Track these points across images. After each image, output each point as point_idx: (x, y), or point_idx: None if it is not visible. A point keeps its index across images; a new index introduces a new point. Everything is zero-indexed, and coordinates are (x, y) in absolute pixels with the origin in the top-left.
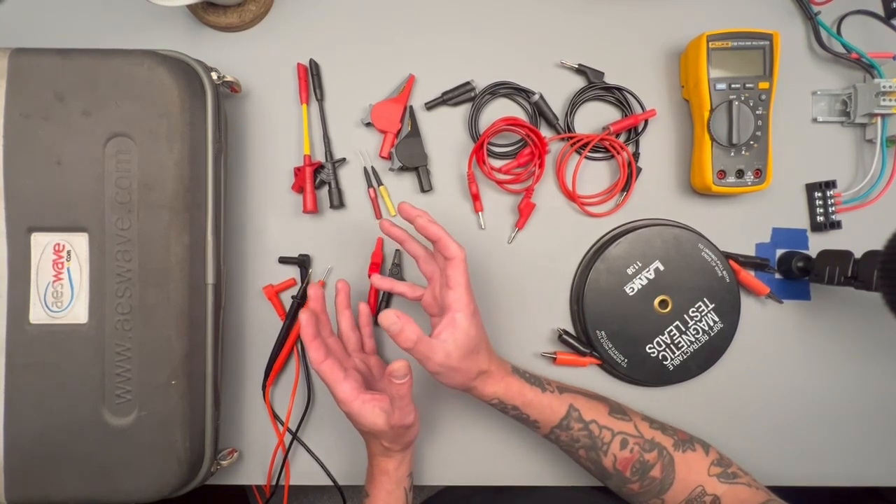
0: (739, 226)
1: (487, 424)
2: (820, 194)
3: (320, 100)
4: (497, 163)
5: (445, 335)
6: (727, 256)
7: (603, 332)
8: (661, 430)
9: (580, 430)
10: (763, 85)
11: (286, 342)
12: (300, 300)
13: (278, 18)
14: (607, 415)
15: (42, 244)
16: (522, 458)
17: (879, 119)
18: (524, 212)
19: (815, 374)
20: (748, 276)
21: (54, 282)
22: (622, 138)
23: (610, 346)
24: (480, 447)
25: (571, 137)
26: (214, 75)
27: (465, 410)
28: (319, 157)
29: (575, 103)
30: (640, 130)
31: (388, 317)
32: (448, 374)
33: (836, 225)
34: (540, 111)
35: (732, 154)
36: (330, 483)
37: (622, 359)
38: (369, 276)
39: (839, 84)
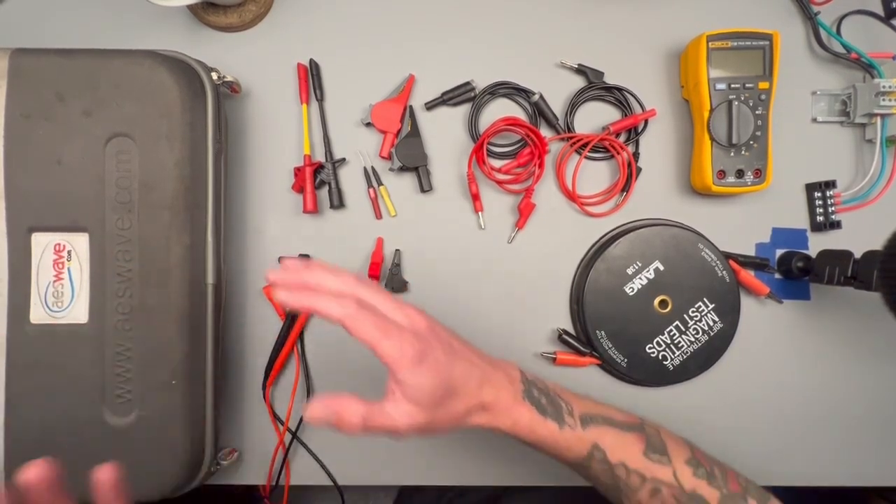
0: (739, 226)
1: None
2: (820, 194)
3: (320, 100)
4: (497, 163)
5: (399, 394)
6: (727, 256)
7: (603, 332)
8: (706, 480)
9: (603, 471)
10: (763, 85)
11: (286, 342)
12: None
13: (278, 18)
14: (641, 455)
15: (42, 244)
16: (517, 458)
17: (879, 119)
18: (524, 212)
19: (815, 374)
20: (748, 276)
21: (55, 282)
22: (622, 138)
23: (610, 345)
24: (476, 446)
25: (571, 137)
26: (215, 75)
27: None
28: (319, 157)
29: (575, 103)
30: (639, 130)
31: (314, 410)
32: (428, 430)
33: (835, 225)
34: (540, 111)
35: (732, 154)
36: (331, 483)
37: (622, 359)
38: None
39: (839, 84)
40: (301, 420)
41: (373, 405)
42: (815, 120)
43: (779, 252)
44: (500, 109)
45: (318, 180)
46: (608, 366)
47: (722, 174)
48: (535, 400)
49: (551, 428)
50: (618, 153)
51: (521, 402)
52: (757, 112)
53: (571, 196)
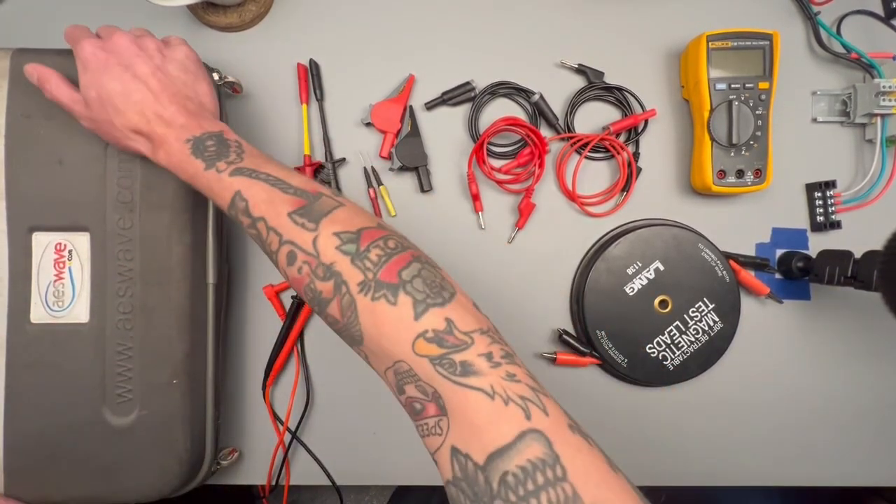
0: (739, 226)
1: None
2: (820, 194)
3: (320, 100)
4: (497, 163)
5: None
6: (727, 256)
7: (603, 332)
8: (352, 259)
9: (248, 224)
10: (763, 85)
11: (286, 342)
12: (300, 300)
13: (278, 18)
14: (286, 214)
15: (43, 244)
16: None
17: (879, 119)
18: (524, 212)
19: (815, 374)
20: (748, 276)
21: (55, 281)
22: (622, 138)
23: (610, 346)
24: None
25: (571, 137)
26: (216, 76)
27: None
28: (319, 157)
29: (575, 103)
30: (640, 130)
31: (29, 70)
32: (95, 128)
33: (835, 225)
34: (540, 111)
35: (732, 154)
36: (328, 483)
37: (622, 359)
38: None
39: (839, 84)
40: (301, 420)
41: (63, 86)
42: (815, 120)
43: (779, 252)
44: (500, 109)
45: (318, 180)
46: (608, 366)
47: (722, 174)
48: (200, 143)
49: (196, 167)
50: (618, 153)
51: (181, 142)
52: (757, 112)
53: (571, 196)
